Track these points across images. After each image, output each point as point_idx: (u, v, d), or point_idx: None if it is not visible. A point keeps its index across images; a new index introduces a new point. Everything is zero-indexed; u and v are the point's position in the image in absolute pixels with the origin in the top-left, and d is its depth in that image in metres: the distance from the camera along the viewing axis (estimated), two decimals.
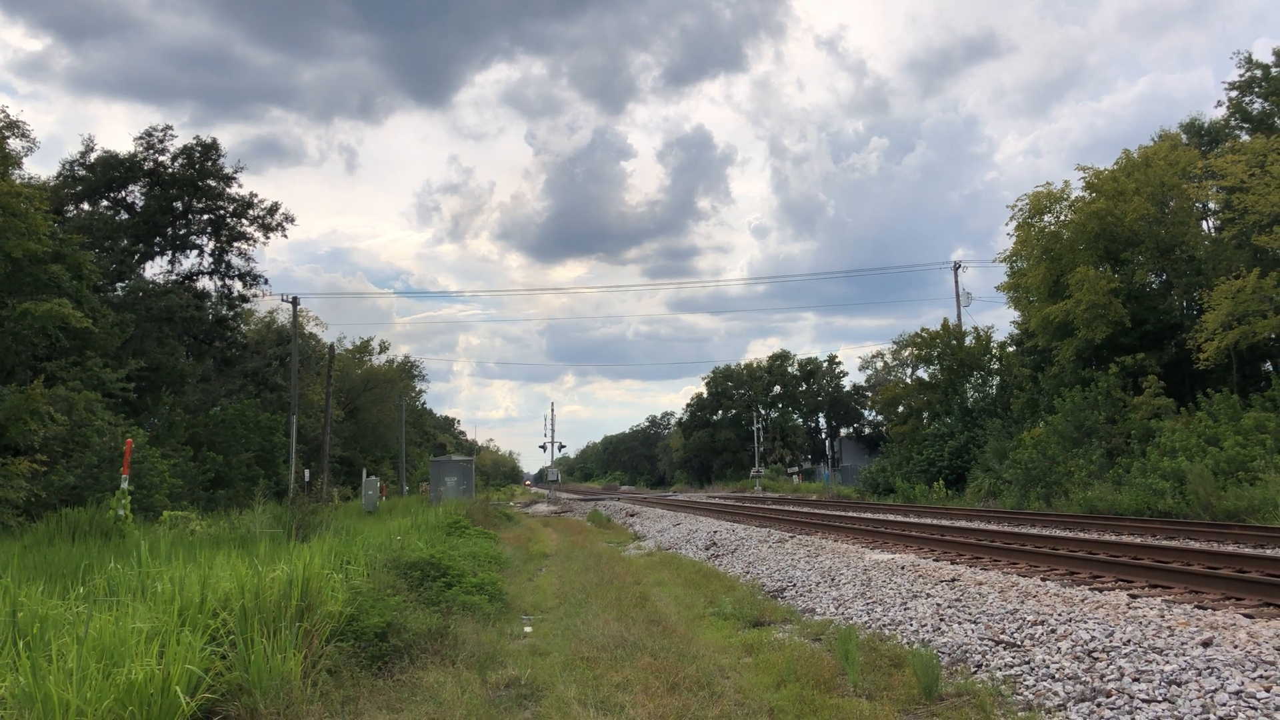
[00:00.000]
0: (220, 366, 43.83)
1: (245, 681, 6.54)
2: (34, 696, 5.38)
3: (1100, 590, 10.46)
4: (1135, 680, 6.84)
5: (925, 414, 47.76)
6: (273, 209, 41.90)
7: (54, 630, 6.44)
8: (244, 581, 7.60)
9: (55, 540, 15.47)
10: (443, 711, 6.77)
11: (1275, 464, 22.45)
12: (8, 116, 26.74)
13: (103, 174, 38.18)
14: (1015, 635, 8.62)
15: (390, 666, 7.95)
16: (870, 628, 10.35)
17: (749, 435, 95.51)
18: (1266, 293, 26.45)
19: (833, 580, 13.43)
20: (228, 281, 42.05)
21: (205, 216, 40.78)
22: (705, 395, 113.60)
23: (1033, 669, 7.70)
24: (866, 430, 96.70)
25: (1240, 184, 28.16)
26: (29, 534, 16.72)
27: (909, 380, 51.47)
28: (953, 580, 11.48)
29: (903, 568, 13.06)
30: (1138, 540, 16.51)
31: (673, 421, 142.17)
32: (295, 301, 46.69)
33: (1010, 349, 45.49)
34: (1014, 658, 8.08)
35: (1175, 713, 6.21)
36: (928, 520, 25.02)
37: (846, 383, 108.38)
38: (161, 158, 39.27)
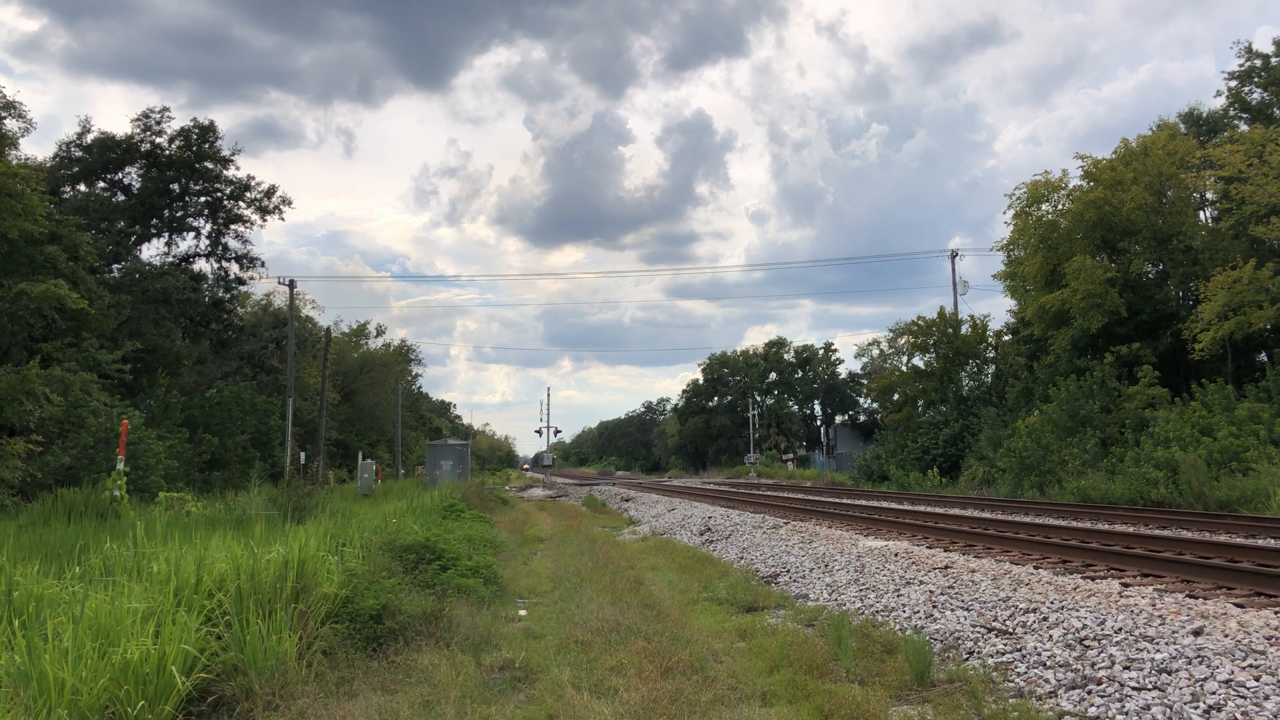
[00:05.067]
0: (216, 349, 43.82)
1: (240, 662, 6.56)
2: (29, 675, 5.41)
3: (1092, 578, 10.51)
4: (1126, 668, 6.88)
5: (920, 402, 47.83)
6: (270, 192, 41.84)
7: (50, 609, 6.46)
8: (240, 563, 7.61)
9: (51, 520, 15.49)
10: (437, 693, 6.80)
11: (1268, 454, 22.53)
12: (4, 97, 26.64)
13: (99, 155, 38.05)
14: (1007, 623, 8.66)
15: (385, 648, 7.97)
16: (863, 614, 10.39)
17: (744, 422, 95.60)
18: (1263, 283, 26.49)
19: (826, 566, 13.47)
20: (224, 264, 42.01)
21: (202, 199, 40.69)
22: (701, 381, 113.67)
23: (1024, 656, 7.74)
24: (861, 418, 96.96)
25: (1238, 174, 28.17)
26: (25, 514, 16.73)
27: (904, 368, 51.53)
28: (946, 567, 11.53)
29: (896, 555, 13.11)
30: (1130, 529, 16.59)
31: (669, 407, 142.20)
32: (292, 284, 46.69)
33: (1006, 337, 45.59)
34: (1006, 645, 8.12)
35: (1165, 701, 6.25)
36: (921, 508, 25.09)
37: (842, 370, 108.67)
38: (159, 139, 39.16)
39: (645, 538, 21.77)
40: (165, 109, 39.71)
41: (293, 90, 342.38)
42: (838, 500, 30.52)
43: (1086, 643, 7.57)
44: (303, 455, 42.62)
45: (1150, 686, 6.51)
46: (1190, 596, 9.11)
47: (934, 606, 9.85)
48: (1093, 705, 6.48)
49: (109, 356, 27.72)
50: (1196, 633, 7.23)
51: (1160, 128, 35.97)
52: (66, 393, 23.68)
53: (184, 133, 39.51)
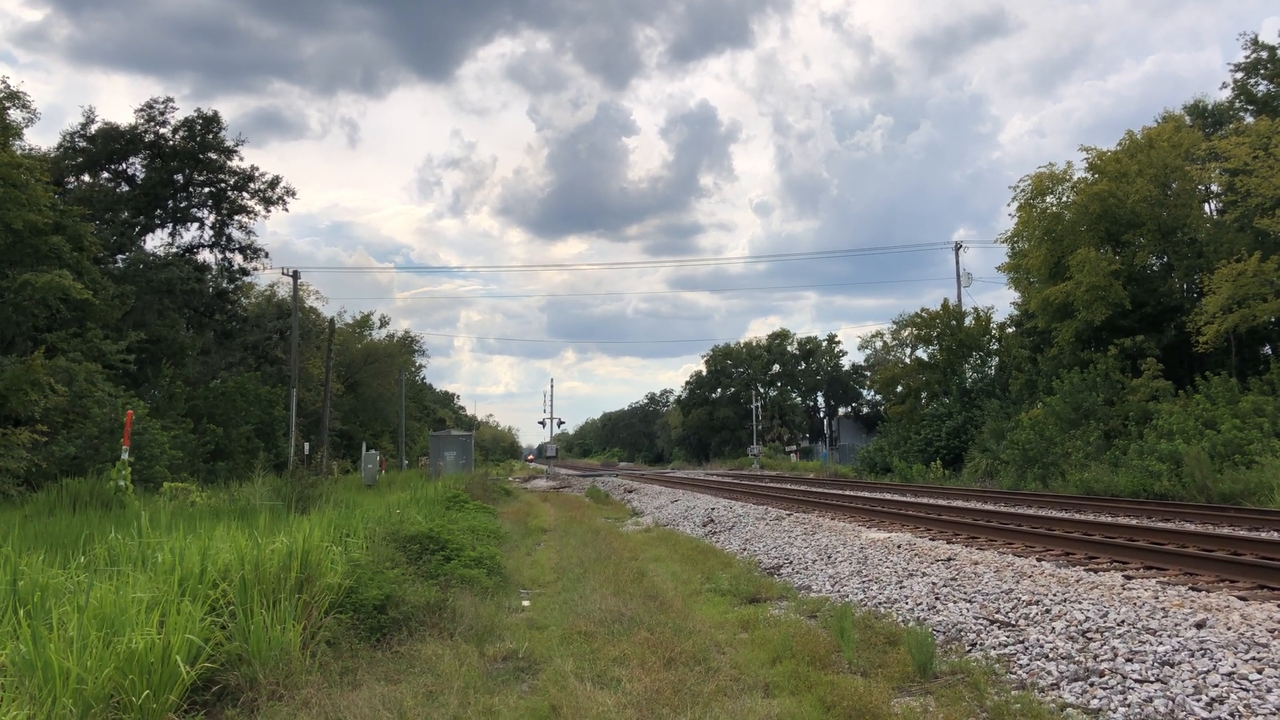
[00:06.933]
0: (220, 339, 43.88)
1: (245, 651, 6.59)
2: (34, 664, 5.42)
3: (1095, 571, 10.51)
4: (1128, 660, 6.88)
5: (924, 394, 47.78)
6: (274, 182, 41.89)
7: (55, 599, 6.48)
8: (244, 553, 7.64)
9: (56, 510, 15.54)
10: (441, 683, 6.82)
11: (1272, 447, 22.50)
12: (8, 87, 26.70)
13: (103, 146, 38.09)
14: (1010, 615, 8.67)
15: (389, 638, 8.00)
16: (866, 605, 10.40)
17: (747, 413, 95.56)
18: (1267, 276, 26.42)
19: (829, 558, 13.48)
20: (228, 254, 42.14)
21: (206, 189, 40.76)
22: (704, 373, 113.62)
23: (1027, 648, 7.74)
24: (865, 410, 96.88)
25: (1243, 166, 28.06)
26: (30, 504, 16.79)
27: (908, 360, 51.37)
28: (948, 559, 11.53)
29: (899, 546, 13.11)
30: (1133, 522, 16.57)
31: (671, 399, 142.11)
32: (296, 275, 46.66)
33: (1010, 330, 45.45)
34: (1008, 637, 8.13)
35: (1168, 693, 6.25)
36: (924, 500, 25.10)
37: (845, 362, 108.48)
38: (162, 130, 39.22)
39: (648, 529, 21.80)
40: (169, 99, 39.72)
41: (296, 81, 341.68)
42: (841, 492, 30.53)
43: (1089, 635, 7.58)
44: (307, 446, 42.66)
45: (1153, 679, 6.52)
46: (1193, 589, 9.10)
47: (936, 598, 9.85)
48: (1095, 697, 6.49)
49: (113, 347, 27.78)
50: (1199, 625, 7.23)
51: (1165, 120, 35.78)
52: (71, 383, 23.74)
53: (188, 123, 39.53)
